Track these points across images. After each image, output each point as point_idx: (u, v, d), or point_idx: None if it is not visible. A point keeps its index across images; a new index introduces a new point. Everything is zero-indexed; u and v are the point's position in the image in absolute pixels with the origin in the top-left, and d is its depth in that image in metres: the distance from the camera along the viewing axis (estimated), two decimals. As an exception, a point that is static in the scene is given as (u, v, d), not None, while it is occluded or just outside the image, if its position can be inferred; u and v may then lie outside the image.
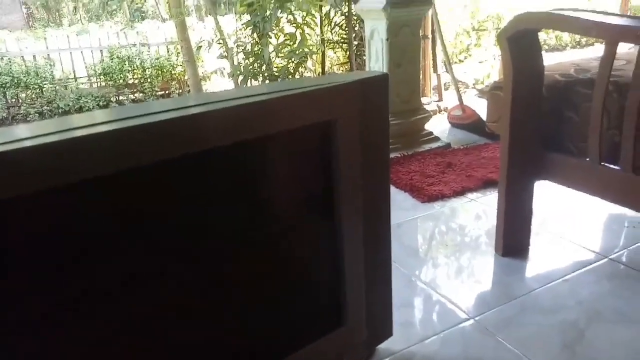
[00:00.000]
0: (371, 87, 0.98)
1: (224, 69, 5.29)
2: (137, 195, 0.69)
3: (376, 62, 2.48)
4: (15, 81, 6.02)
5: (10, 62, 6.25)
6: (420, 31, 2.73)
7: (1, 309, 0.58)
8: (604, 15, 1.18)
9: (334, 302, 1.05)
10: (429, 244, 1.80)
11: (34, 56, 6.50)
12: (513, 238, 1.56)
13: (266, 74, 4.50)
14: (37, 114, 6.05)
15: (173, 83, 6.63)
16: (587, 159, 1.27)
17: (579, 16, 1.16)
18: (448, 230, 1.87)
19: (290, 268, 0.99)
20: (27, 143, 0.55)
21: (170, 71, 6.57)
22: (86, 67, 6.63)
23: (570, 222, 1.79)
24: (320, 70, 5.05)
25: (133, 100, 6.49)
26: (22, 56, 6.41)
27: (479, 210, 1.98)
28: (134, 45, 6.70)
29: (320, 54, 4.94)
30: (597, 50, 4.96)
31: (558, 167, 1.36)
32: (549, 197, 1.87)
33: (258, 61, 4.46)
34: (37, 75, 6.19)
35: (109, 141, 0.61)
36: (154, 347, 0.77)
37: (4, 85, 5.97)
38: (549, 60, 1.39)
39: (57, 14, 19.38)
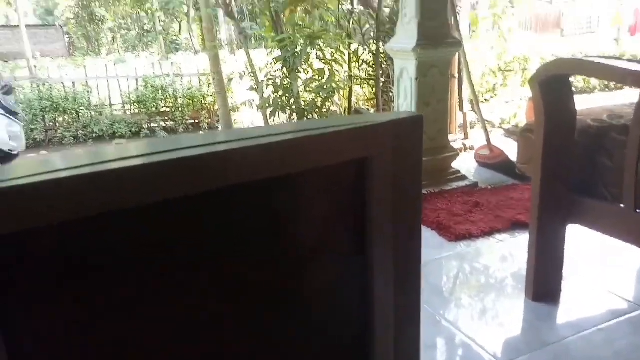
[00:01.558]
0: (405, 127, 0.99)
1: (253, 101, 5.44)
2: (166, 227, 0.71)
3: (405, 100, 2.52)
4: (55, 106, 6.29)
5: (51, 88, 6.55)
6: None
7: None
8: (637, 64, 1.19)
9: (361, 342, 1.05)
10: (456, 284, 1.77)
11: (73, 83, 6.79)
12: (544, 282, 1.53)
13: (294, 107, 4.61)
14: (72, 138, 6.28)
15: (203, 112, 6.81)
16: (622, 206, 1.25)
17: (612, 64, 1.18)
18: (475, 271, 1.85)
19: (318, 306, 0.99)
20: (63, 174, 0.58)
21: (201, 101, 6.77)
22: (121, 94, 6.89)
23: (602, 268, 1.75)
24: (347, 105, 5.14)
25: (164, 128, 6.69)
26: (63, 82, 6.71)
27: (507, 252, 1.95)
28: (168, 75, 6.95)
29: (348, 90, 5.04)
30: (628, 94, 4.92)
31: (591, 212, 1.35)
32: (581, 241, 1.84)
33: (287, 95, 4.58)
34: (75, 101, 6.46)
35: (142, 174, 0.63)
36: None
37: (43, 110, 6.23)
38: (578, 103, 1.40)
39: (96, 43, 20.33)
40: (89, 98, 6.64)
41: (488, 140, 3.05)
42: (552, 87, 1.31)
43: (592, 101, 5.15)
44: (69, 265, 0.63)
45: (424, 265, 1.19)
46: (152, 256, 0.71)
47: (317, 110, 4.67)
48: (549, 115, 1.30)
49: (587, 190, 1.36)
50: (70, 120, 6.44)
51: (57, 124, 6.43)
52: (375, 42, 4.56)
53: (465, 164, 3.02)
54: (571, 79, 1.36)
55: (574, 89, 1.32)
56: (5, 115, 2.97)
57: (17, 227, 0.54)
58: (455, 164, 2.75)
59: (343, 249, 0.98)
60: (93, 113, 6.56)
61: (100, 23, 19.49)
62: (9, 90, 3.40)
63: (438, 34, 2.41)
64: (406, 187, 0.99)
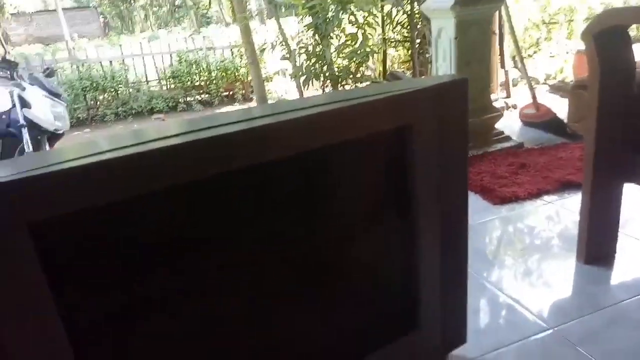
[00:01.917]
0: (450, 92, 0.96)
1: (286, 70, 5.40)
2: (210, 203, 0.71)
3: (443, 61, 2.43)
4: (94, 85, 6.47)
5: (89, 67, 6.72)
6: (490, 27, 2.63)
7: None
8: None
9: (408, 305, 1.05)
10: (503, 248, 1.73)
11: (110, 62, 6.94)
12: (597, 245, 1.47)
13: (327, 74, 4.54)
14: (113, 115, 6.47)
15: (237, 84, 6.84)
16: (686, 162, 1.17)
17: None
18: (522, 234, 1.80)
19: (365, 270, 0.99)
20: (108, 155, 0.58)
21: (234, 73, 6.78)
22: (157, 70, 6.99)
23: (660, 228, 1.66)
24: (382, 69, 5.01)
25: (200, 101, 6.77)
26: (100, 62, 6.87)
27: (557, 214, 1.88)
28: (201, 49, 6.98)
29: (382, 53, 4.90)
30: (687, 40, 4.56)
31: (651, 171, 1.27)
32: (637, 201, 1.75)
33: (319, 62, 4.50)
34: (113, 79, 6.62)
35: (185, 152, 0.63)
36: (232, 348, 0.80)
37: (84, 89, 6.43)
38: (637, 54, 1.30)
39: (129, 22, 20.59)
40: (126, 76, 6.78)
41: (534, 98, 2.91)
42: (608, 39, 1.21)
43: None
44: (121, 244, 0.64)
45: (468, 229, 1.17)
46: (196, 235, 0.72)
47: (351, 76, 4.58)
48: (605, 70, 1.21)
49: (646, 147, 1.28)
50: (110, 98, 6.63)
51: (98, 103, 6.62)
52: (409, 2, 4.38)
53: (509, 124, 2.90)
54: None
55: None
56: (48, 97, 3.07)
57: (73, 207, 0.56)
58: (499, 124, 2.64)
59: (389, 216, 0.97)
60: (131, 90, 6.72)
61: (132, 1, 19.66)
62: (50, 73, 3.50)
63: (478, -11, 2.28)
64: (452, 152, 0.96)
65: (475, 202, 2.00)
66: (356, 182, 0.91)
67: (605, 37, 1.22)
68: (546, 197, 1.98)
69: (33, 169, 0.55)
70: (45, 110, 2.95)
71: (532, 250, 1.65)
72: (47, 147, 3.02)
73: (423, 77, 4.39)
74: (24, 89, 2.89)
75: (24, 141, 2.76)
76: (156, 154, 0.62)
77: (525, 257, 1.61)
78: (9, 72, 2.98)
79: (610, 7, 6.41)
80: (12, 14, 19.19)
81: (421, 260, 1.01)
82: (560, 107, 2.77)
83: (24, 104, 2.85)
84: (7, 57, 3.12)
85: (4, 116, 2.91)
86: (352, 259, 0.96)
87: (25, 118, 2.80)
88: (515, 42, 3.18)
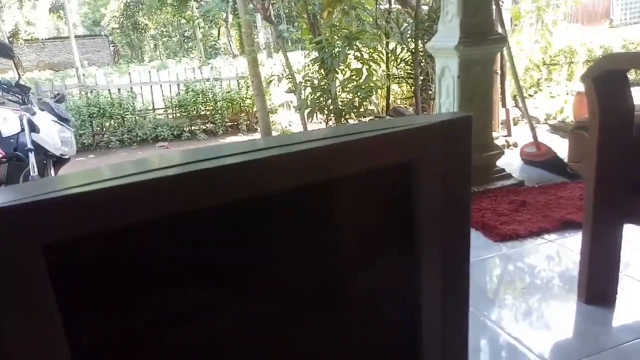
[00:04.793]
0: (455, 128, 0.97)
1: (291, 102, 5.49)
2: (208, 234, 0.72)
3: (447, 98, 2.48)
4: (101, 112, 6.57)
5: (98, 94, 6.85)
6: (492, 67, 2.70)
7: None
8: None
9: (409, 342, 1.04)
10: (504, 286, 1.73)
11: (119, 89, 7.08)
12: (598, 285, 1.47)
13: (332, 108, 4.62)
14: (118, 142, 6.54)
15: (242, 115, 6.94)
16: (685, 205, 1.18)
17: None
18: (522, 272, 1.79)
19: (367, 309, 0.99)
20: (112, 183, 0.60)
21: (240, 104, 6.89)
22: (164, 99, 7.12)
23: (662, 270, 1.66)
24: (385, 104, 5.10)
25: (204, 130, 6.85)
26: (109, 89, 7.00)
27: (557, 253, 1.88)
28: (208, 79, 7.13)
29: (385, 89, 5.00)
30: (685, 85, 4.64)
31: (651, 212, 1.28)
32: (636, 242, 1.75)
33: (324, 95, 4.59)
34: (120, 106, 6.73)
35: (186, 182, 0.65)
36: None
37: (91, 115, 6.53)
38: (636, 96, 1.33)
39: (139, 51, 21.09)
40: (133, 103, 6.90)
41: (535, 137, 2.95)
42: (607, 83, 1.25)
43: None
44: (123, 271, 0.65)
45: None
46: (196, 265, 0.72)
47: (355, 110, 4.66)
48: (604, 112, 1.25)
49: (646, 189, 1.29)
50: (116, 125, 6.72)
51: (104, 129, 6.71)
52: (413, 40, 4.50)
53: (510, 162, 2.93)
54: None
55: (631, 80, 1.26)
56: (57, 122, 3.13)
57: (75, 232, 0.57)
58: (500, 162, 2.67)
59: (391, 251, 0.98)
60: (137, 117, 6.82)
61: (143, 31, 20.20)
62: (60, 99, 3.57)
63: (481, 31, 2.35)
64: (455, 189, 0.97)
65: (476, 239, 2.01)
66: (358, 217, 0.92)
67: (604, 80, 1.26)
68: (546, 236, 1.98)
69: (46, 192, 0.57)
70: (53, 135, 2.99)
71: (533, 289, 1.64)
72: (52, 172, 3.05)
73: (426, 113, 4.46)
74: (34, 113, 2.94)
75: (30, 165, 2.79)
76: (160, 182, 0.64)
77: (527, 296, 1.60)
78: (20, 97, 3.04)
79: (610, 52, 6.57)
80: (25, 40, 19.71)
81: (422, 297, 1.00)
82: (561, 147, 2.80)
83: (33, 128, 2.89)
84: (20, 82, 3.18)
85: (12, 139, 2.95)
86: (353, 294, 0.96)
87: (33, 142, 2.84)
88: (517, 82, 3.25)
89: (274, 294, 0.82)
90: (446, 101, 2.45)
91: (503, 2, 4.71)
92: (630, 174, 1.30)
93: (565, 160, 2.58)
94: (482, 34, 2.35)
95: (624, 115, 1.26)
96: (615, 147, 1.28)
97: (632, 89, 1.30)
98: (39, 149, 2.89)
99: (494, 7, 2.68)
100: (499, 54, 3.74)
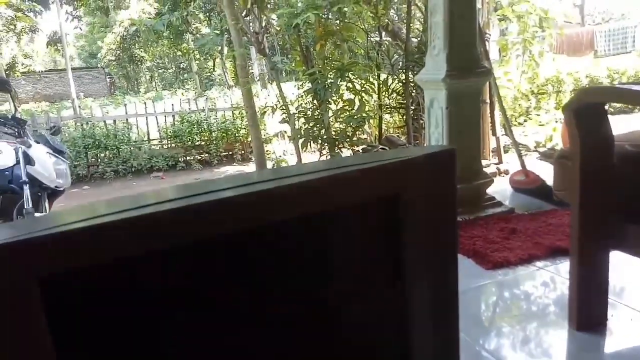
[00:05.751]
0: (438, 161, 1.01)
1: (285, 132, 5.57)
2: (201, 266, 0.74)
3: (436, 128, 2.54)
4: (97, 143, 6.61)
5: (93, 126, 6.91)
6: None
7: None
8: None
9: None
10: (496, 313, 1.74)
11: (114, 121, 7.14)
12: (589, 311, 1.48)
13: (325, 137, 4.68)
14: (113, 172, 6.56)
15: (237, 145, 7.01)
16: (667, 231, 1.22)
17: (647, 89, 1.17)
18: (515, 299, 1.80)
19: (356, 340, 1.00)
20: (107, 219, 0.63)
21: (235, 134, 6.97)
22: (159, 130, 7.19)
23: (651, 296, 1.68)
24: (377, 134, 5.18)
25: (199, 161, 6.90)
26: (104, 120, 7.06)
27: (548, 280, 1.90)
28: (203, 110, 7.22)
29: (378, 119, 5.09)
30: (668, 113, 4.76)
31: (635, 239, 1.31)
32: (627, 268, 1.77)
33: (317, 125, 4.66)
34: (116, 137, 6.78)
35: (180, 216, 0.67)
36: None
37: (86, 147, 6.56)
38: (617, 123, 1.38)
39: (135, 82, 21.35)
40: (128, 134, 6.96)
41: (523, 165, 3.01)
42: (587, 114, 1.30)
43: (631, 121, 5.00)
44: (114, 304, 0.67)
45: (460, 294, 1.19)
46: (189, 296, 0.74)
47: (348, 139, 4.73)
48: (584, 143, 1.29)
49: (629, 216, 1.33)
50: (111, 156, 6.75)
51: (99, 160, 6.74)
52: (404, 71, 4.62)
53: (501, 189, 2.98)
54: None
55: (611, 109, 1.32)
56: (53, 154, 3.15)
57: (73, 266, 0.59)
58: (490, 190, 2.71)
59: (379, 282, 0.99)
60: (132, 148, 6.86)
61: (139, 63, 20.50)
62: (56, 131, 3.61)
63: (467, 64, 2.43)
64: (441, 219, 1.00)
65: (468, 267, 2.02)
66: (347, 248, 0.94)
67: (583, 112, 1.31)
68: (537, 263, 2.00)
69: (43, 229, 0.59)
70: (48, 168, 3.01)
71: (526, 317, 1.65)
72: (47, 204, 3.05)
73: (415, 143, 4.54)
74: (29, 146, 2.97)
75: (25, 197, 2.80)
76: (154, 217, 0.66)
77: (519, 323, 1.61)
78: (16, 130, 3.07)
79: (595, 81, 6.75)
80: (22, 73, 19.92)
81: (412, 327, 1.01)
82: (550, 174, 2.86)
83: (28, 161, 2.91)
84: (16, 115, 3.22)
85: (7, 172, 2.97)
86: (342, 325, 0.97)
87: (28, 175, 2.85)
88: (503, 112, 3.33)
89: (265, 323, 0.84)
90: (435, 131, 2.51)
91: (490, 35, 4.86)
92: (612, 201, 1.34)
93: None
94: (468, 67, 2.43)
95: (603, 145, 1.31)
96: (597, 175, 1.32)
97: (616, 116, 1.35)
98: (33, 182, 2.90)
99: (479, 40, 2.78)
100: (487, 84, 3.84)
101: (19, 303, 0.54)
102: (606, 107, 1.37)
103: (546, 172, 2.95)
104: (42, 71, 21.64)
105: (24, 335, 0.55)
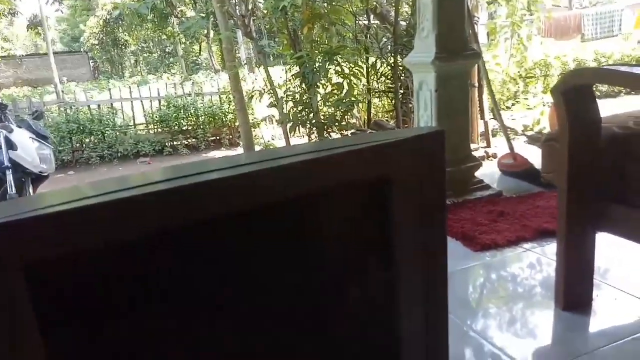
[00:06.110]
0: (427, 143, 1.00)
1: (274, 116, 5.53)
2: (188, 250, 0.73)
3: (425, 111, 2.53)
4: (81, 128, 6.50)
5: (77, 111, 6.78)
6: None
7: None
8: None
9: (390, 354, 1.05)
10: (483, 294, 1.76)
11: (99, 105, 7.02)
12: (574, 291, 1.51)
13: (314, 122, 4.66)
14: (98, 158, 6.47)
15: (224, 130, 6.94)
16: (652, 212, 1.23)
17: (634, 72, 1.17)
18: (502, 280, 1.83)
19: (347, 322, 1.00)
20: (93, 201, 0.61)
21: (222, 118, 6.90)
22: (145, 114, 7.08)
23: (635, 276, 1.71)
24: (366, 118, 5.17)
25: (186, 145, 6.82)
26: (89, 105, 6.94)
27: (535, 261, 1.92)
28: (189, 95, 7.12)
29: (366, 103, 5.07)
30: (653, 96, 4.82)
31: (621, 220, 1.33)
32: (612, 249, 1.80)
33: (306, 109, 4.63)
34: (101, 122, 6.66)
35: (167, 199, 0.66)
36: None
37: (70, 132, 6.44)
38: (603, 108, 1.39)
39: (119, 66, 20.97)
40: (113, 119, 6.85)
41: (511, 148, 3.03)
42: (574, 96, 1.31)
43: (617, 105, 5.05)
44: (102, 291, 0.66)
45: (449, 276, 1.20)
46: (177, 281, 0.73)
47: (337, 123, 4.72)
48: (572, 125, 1.30)
49: (616, 198, 1.34)
50: (96, 141, 6.65)
51: (84, 145, 6.63)
52: (392, 55, 4.59)
53: (489, 173, 3.00)
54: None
55: (598, 93, 1.32)
56: (36, 139, 3.09)
57: (58, 250, 0.58)
58: (479, 173, 2.73)
59: (369, 264, 0.99)
60: (118, 133, 6.76)
61: (123, 47, 20.11)
62: (39, 115, 3.53)
63: (456, 46, 2.42)
64: (430, 201, 1.00)
65: (456, 249, 2.04)
66: (337, 231, 0.94)
67: (572, 94, 1.32)
68: (525, 245, 2.03)
69: (26, 211, 0.58)
70: (31, 153, 2.95)
71: (514, 297, 1.67)
72: (31, 189, 3.00)
73: (403, 127, 4.54)
74: (11, 130, 2.90)
75: (8, 183, 2.75)
76: (141, 199, 0.65)
77: (507, 304, 1.63)
78: (-3, 115, 3.00)
79: (582, 65, 6.78)
80: (2, 57, 19.43)
81: (402, 308, 1.02)
82: (537, 158, 2.87)
83: (10, 145, 2.85)
84: (-3, 99, 3.14)
85: (-12, 157, 2.90)
86: (332, 307, 0.97)
87: (10, 160, 2.80)
88: (492, 95, 3.34)
89: (254, 308, 0.83)
90: (424, 114, 2.51)
91: (478, 18, 4.84)
92: (599, 184, 1.35)
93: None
94: (457, 49, 2.42)
95: (591, 127, 1.32)
96: (584, 158, 1.33)
97: (602, 100, 1.35)
98: (16, 167, 2.84)
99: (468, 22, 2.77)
100: (475, 68, 3.84)
101: (3, 287, 0.52)
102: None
103: (534, 156, 2.97)
104: (23, 55, 21.14)
105: (11, 322, 0.53)
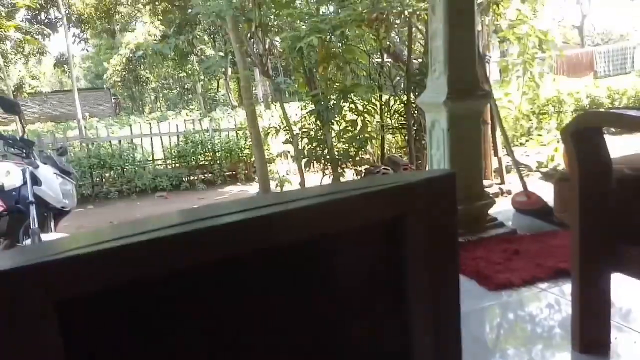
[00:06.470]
0: (438, 185, 1.03)
1: (289, 152, 5.61)
2: (207, 289, 0.76)
3: (437, 149, 2.57)
4: (102, 163, 6.66)
5: (99, 146, 6.97)
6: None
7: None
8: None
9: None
10: (499, 334, 1.73)
11: (119, 141, 7.21)
12: (591, 333, 1.48)
13: (328, 157, 4.73)
14: (117, 192, 6.59)
15: (240, 165, 7.05)
16: (667, 253, 1.23)
17: (643, 114, 1.20)
18: (518, 320, 1.80)
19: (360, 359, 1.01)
20: (119, 242, 0.65)
21: (238, 154, 7.02)
22: (163, 150, 7.25)
23: (655, 318, 1.67)
24: (380, 153, 5.22)
25: (203, 180, 6.93)
26: (110, 141, 7.13)
27: (552, 301, 1.90)
28: (207, 130, 7.29)
29: (380, 139, 5.14)
30: (669, 133, 4.77)
31: (634, 261, 1.32)
32: (632, 291, 1.77)
33: (320, 145, 4.71)
34: (121, 157, 6.83)
35: (185, 241, 0.69)
36: None
37: (91, 167, 6.61)
38: (617, 143, 1.40)
39: (140, 102, 21.60)
40: (133, 154, 7.01)
41: (524, 186, 3.03)
42: (584, 138, 1.33)
43: (630, 141, 5.03)
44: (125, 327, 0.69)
45: (464, 315, 1.20)
46: (193, 320, 0.76)
47: (351, 159, 4.77)
48: (582, 166, 1.32)
49: (629, 239, 1.34)
50: (115, 176, 6.80)
51: (104, 180, 6.78)
52: (405, 92, 4.68)
53: (503, 210, 2.99)
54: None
55: (613, 129, 1.34)
56: (59, 175, 3.19)
57: (83, 289, 0.62)
58: (493, 211, 2.73)
59: (381, 305, 1.01)
60: (137, 168, 6.91)
61: (144, 84, 20.77)
62: (63, 152, 3.66)
63: (467, 87, 2.47)
64: (442, 241, 1.02)
65: (471, 288, 2.02)
66: (349, 272, 0.96)
67: (581, 136, 1.34)
68: (540, 284, 2.00)
69: (56, 253, 0.62)
70: (55, 188, 3.05)
71: (530, 338, 1.65)
72: (53, 224, 3.08)
73: (417, 163, 4.56)
74: (37, 167, 3.01)
75: (31, 218, 2.83)
76: (158, 242, 0.68)
77: (524, 345, 1.61)
78: (24, 151, 3.12)
79: (592, 106, 6.80)
80: (29, 93, 20.21)
81: (414, 349, 1.02)
82: (552, 194, 2.87)
83: (35, 181, 2.95)
84: (24, 136, 3.27)
85: (14, 192, 3.00)
86: (345, 349, 0.98)
87: (34, 195, 2.89)
88: (504, 134, 3.37)
89: (269, 347, 0.85)
90: (437, 153, 2.54)
91: (490, 57, 4.94)
92: (610, 224, 1.35)
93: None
94: (468, 90, 2.47)
95: (601, 168, 1.33)
96: (595, 198, 1.34)
97: (615, 137, 1.37)
98: (40, 202, 2.93)
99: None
100: (488, 106, 3.88)
101: (36, 326, 0.56)
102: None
103: (548, 193, 2.97)
104: (48, 92, 21.95)
105: (42, 356, 0.56)
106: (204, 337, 0.76)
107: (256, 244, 0.76)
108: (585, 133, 1.33)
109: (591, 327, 1.48)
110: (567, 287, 1.94)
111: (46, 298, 0.57)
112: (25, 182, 2.95)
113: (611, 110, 1.24)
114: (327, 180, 4.80)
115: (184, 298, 0.75)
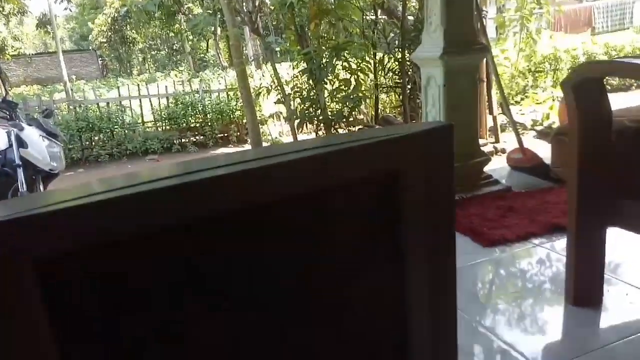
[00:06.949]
0: (436, 137, 0.99)
1: (281, 113, 5.53)
2: (197, 246, 0.73)
3: (433, 107, 2.52)
4: (90, 126, 6.54)
5: (86, 109, 6.83)
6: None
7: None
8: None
9: (398, 351, 1.05)
10: (492, 290, 1.75)
11: (108, 103, 7.06)
12: (584, 287, 1.49)
13: (321, 118, 4.66)
14: (108, 155, 6.51)
15: (232, 126, 6.95)
16: (664, 206, 1.22)
17: (647, 62, 1.15)
18: (512, 276, 1.81)
19: (356, 318, 1.00)
20: (106, 195, 0.61)
21: (230, 115, 6.91)
22: (153, 112, 7.12)
23: (646, 271, 1.69)
24: (374, 114, 5.16)
25: (194, 143, 6.85)
26: (98, 103, 6.98)
27: (545, 256, 1.91)
28: (197, 92, 7.14)
29: (374, 98, 5.06)
30: (665, 89, 4.74)
31: (632, 215, 1.31)
32: (623, 244, 1.78)
33: (313, 106, 4.63)
34: (109, 120, 6.70)
35: (176, 194, 0.66)
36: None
37: (80, 130, 6.49)
38: (615, 101, 1.37)
39: (128, 64, 21.08)
40: (122, 117, 6.89)
41: (520, 143, 3.00)
42: (585, 90, 1.29)
43: (628, 99, 5.00)
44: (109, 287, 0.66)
45: (458, 271, 1.19)
46: (185, 278, 0.74)
47: (344, 119, 4.71)
48: (583, 119, 1.28)
49: (627, 192, 1.33)
50: (105, 139, 6.69)
51: (93, 143, 6.68)
52: (400, 50, 4.57)
53: (498, 168, 2.97)
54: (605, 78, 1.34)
55: (609, 86, 1.30)
56: (46, 137, 3.12)
57: (67, 246, 0.58)
58: (487, 168, 2.71)
59: (378, 260, 0.99)
60: (127, 131, 6.80)
61: (131, 45, 20.20)
62: (49, 114, 3.57)
63: (464, 41, 2.40)
64: (439, 196, 0.99)
65: (465, 244, 2.03)
66: (345, 226, 0.94)
67: (582, 88, 1.30)
68: (534, 240, 2.01)
69: (37, 207, 0.58)
70: (42, 151, 2.98)
71: (523, 293, 1.66)
72: (41, 187, 3.03)
73: (414, 121, 4.52)
74: (22, 129, 2.93)
75: (19, 181, 2.78)
76: (149, 194, 0.65)
77: (517, 300, 1.62)
78: (8, 113, 3.03)
79: (593, 58, 6.70)
80: (12, 56, 19.61)
81: (410, 303, 1.02)
82: (547, 152, 2.85)
83: (21, 144, 2.88)
84: (7, 98, 3.18)
85: (0, 156, 2.94)
86: (341, 302, 0.97)
87: (21, 158, 2.83)
88: (501, 90, 3.31)
89: (263, 304, 0.84)
90: (432, 110, 2.49)
91: (487, 12, 4.80)
92: (609, 178, 1.33)
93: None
94: (465, 43, 2.40)
95: (601, 121, 1.30)
96: (594, 152, 1.31)
97: (613, 94, 1.34)
98: (27, 165, 2.87)
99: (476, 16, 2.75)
100: (484, 63, 3.80)
101: (14, 283, 0.53)
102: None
103: (543, 150, 2.95)
104: (32, 54, 21.32)
105: (21, 315, 0.54)
106: (192, 297, 0.73)
107: (248, 199, 0.73)
108: (586, 84, 1.29)
109: (585, 281, 1.49)
110: (560, 243, 1.95)
111: (23, 254, 0.54)
112: (10, 145, 2.88)
113: (614, 59, 1.19)
114: (321, 141, 4.76)
115: (172, 255, 0.72)
